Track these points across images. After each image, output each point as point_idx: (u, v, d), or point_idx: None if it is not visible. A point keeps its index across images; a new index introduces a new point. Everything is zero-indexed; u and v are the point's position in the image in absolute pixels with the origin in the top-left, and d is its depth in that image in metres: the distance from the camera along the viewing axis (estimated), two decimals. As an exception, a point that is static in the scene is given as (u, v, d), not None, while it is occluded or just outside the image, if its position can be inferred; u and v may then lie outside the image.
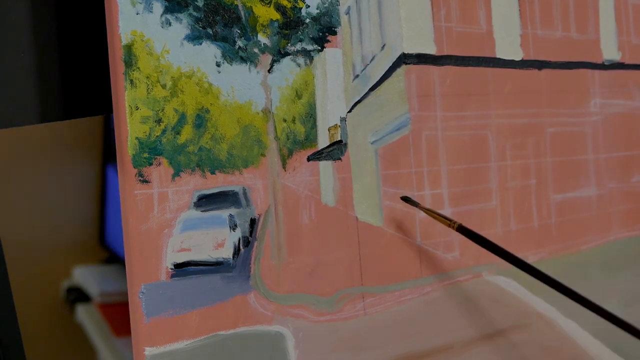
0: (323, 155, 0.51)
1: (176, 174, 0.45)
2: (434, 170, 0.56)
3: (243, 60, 0.48)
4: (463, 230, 0.51)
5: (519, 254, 0.61)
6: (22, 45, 0.48)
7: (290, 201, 0.49)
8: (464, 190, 0.58)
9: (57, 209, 0.57)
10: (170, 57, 0.45)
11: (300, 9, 0.50)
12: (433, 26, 0.57)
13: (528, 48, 0.62)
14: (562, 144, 0.64)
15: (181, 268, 0.45)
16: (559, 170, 0.64)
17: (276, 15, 0.49)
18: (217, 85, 0.47)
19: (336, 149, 0.52)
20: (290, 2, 0.50)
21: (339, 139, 0.52)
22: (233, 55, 0.47)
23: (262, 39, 0.49)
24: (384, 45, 0.55)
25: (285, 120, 0.49)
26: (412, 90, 0.55)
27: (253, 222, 0.48)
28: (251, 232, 0.48)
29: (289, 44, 0.50)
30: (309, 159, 0.50)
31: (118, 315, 0.59)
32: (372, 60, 0.54)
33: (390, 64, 0.55)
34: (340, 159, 0.52)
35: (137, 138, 0.44)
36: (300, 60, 0.50)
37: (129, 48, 0.43)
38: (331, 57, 0.52)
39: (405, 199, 0.53)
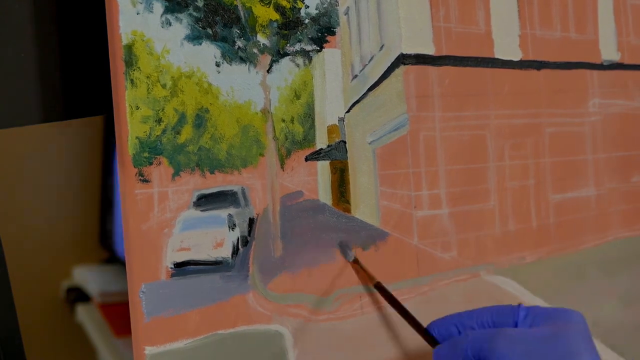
0: (321, 155, 0.51)
1: (176, 173, 0.45)
2: (432, 170, 0.56)
3: (242, 60, 0.48)
4: (380, 288, 0.51)
5: (518, 254, 0.61)
6: (22, 45, 0.49)
7: (289, 201, 0.50)
8: (462, 190, 0.58)
9: (57, 209, 0.57)
10: (170, 57, 0.45)
11: (300, 9, 0.50)
12: (432, 26, 0.57)
13: (527, 48, 0.62)
14: (561, 144, 0.64)
15: (181, 267, 0.45)
16: (557, 170, 0.64)
17: (275, 16, 0.49)
18: (217, 85, 0.47)
19: (335, 149, 0.52)
20: (289, 2, 0.50)
21: (342, 139, 0.52)
22: (233, 55, 0.48)
23: (262, 39, 0.49)
24: (382, 46, 0.55)
25: (284, 121, 0.50)
26: (411, 91, 0.55)
27: (252, 222, 0.48)
28: (250, 232, 0.48)
29: (288, 45, 0.50)
30: (307, 159, 0.51)
31: (118, 315, 0.59)
32: (370, 60, 0.54)
33: (389, 65, 0.55)
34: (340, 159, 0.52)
35: (137, 137, 0.44)
36: (299, 60, 0.50)
37: (129, 48, 0.44)
38: (330, 58, 0.52)
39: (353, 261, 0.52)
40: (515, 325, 0.45)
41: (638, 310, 0.69)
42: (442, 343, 0.46)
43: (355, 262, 0.52)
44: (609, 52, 0.68)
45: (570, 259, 0.64)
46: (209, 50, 0.47)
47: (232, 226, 0.47)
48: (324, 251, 0.51)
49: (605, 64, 0.68)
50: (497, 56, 0.60)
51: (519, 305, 0.46)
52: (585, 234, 0.66)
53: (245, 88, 0.48)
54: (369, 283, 0.52)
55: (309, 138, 0.51)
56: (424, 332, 0.47)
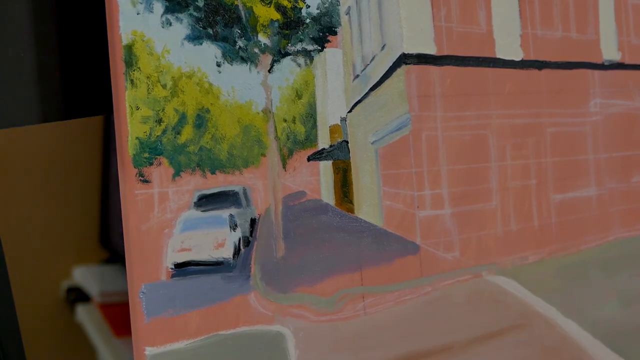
0: (323, 155, 0.51)
1: (176, 174, 0.45)
2: (434, 170, 0.56)
3: (243, 60, 0.48)
4: None
5: (520, 254, 0.61)
6: (22, 45, 0.48)
7: (291, 201, 0.49)
8: (464, 190, 0.58)
9: (57, 209, 0.57)
10: (170, 57, 0.45)
11: (301, 9, 0.50)
12: (433, 26, 0.57)
13: (528, 48, 0.62)
14: (562, 144, 0.64)
15: (181, 268, 0.45)
16: (559, 170, 0.64)
17: (276, 15, 0.49)
18: (218, 85, 0.47)
19: (337, 149, 0.52)
20: (290, 2, 0.50)
21: (345, 139, 0.52)
22: (233, 55, 0.47)
23: (263, 39, 0.49)
24: (384, 46, 0.55)
25: (285, 120, 0.49)
26: (412, 91, 0.55)
27: (253, 222, 0.48)
28: (251, 232, 0.48)
29: (290, 44, 0.50)
30: (309, 159, 0.51)
31: (118, 315, 0.59)
32: (372, 60, 0.54)
33: (391, 64, 0.55)
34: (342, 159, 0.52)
35: (137, 138, 0.44)
36: (301, 60, 0.50)
37: (129, 48, 0.43)
38: (331, 57, 0.52)
39: None
40: None
41: (638, 310, 0.69)
42: None
43: None
44: (609, 52, 0.68)
45: (572, 259, 0.64)
46: (210, 50, 0.47)
47: (234, 226, 0.47)
48: (327, 251, 0.51)
49: (606, 63, 0.68)
50: (498, 56, 0.60)
51: None
52: (586, 234, 0.66)
53: (247, 88, 0.48)
54: None
55: (311, 138, 0.51)
56: None
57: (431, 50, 0.57)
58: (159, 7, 0.45)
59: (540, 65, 0.63)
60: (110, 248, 0.61)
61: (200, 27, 0.46)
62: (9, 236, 0.52)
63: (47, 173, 0.56)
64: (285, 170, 0.49)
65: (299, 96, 0.50)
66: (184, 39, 0.46)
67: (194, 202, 0.46)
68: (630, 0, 0.70)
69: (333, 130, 0.52)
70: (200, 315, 0.45)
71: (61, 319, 0.57)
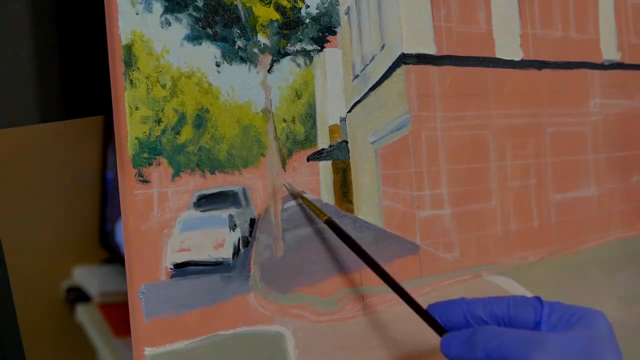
0: (323, 155, 0.51)
1: (176, 174, 0.45)
2: (433, 170, 0.56)
3: (243, 60, 0.48)
4: (331, 224, 0.47)
5: (519, 254, 0.61)
6: (22, 45, 0.48)
7: (290, 201, 0.49)
8: (464, 190, 0.58)
9: (57, 209, 0.57)
10: (170, 57, 0.45)
11: (300, 9, 0.50)
12: (433, 26, 0.57)
13: (528, 48, 0.62)
14: (562, 144, 0.64)
15: (181, 268, 0.45)
16: (558, 170, 0.64)
17: (276, 16, 0.49)
18: (217, 85, 0.47)
19: (337, 149, 0.52)
20: (290, 2, 0.50)
21: (344, 139, 0.52)
22: (233, 55, 0.47)
23: (262, 39, 0.49)
24: (383, 46, 0.55)
25: (285, 121, 0.49)
26: (412, 91, 0.55)
27: (253, 222, 0.48)
28: (251, 232, 0.48)
29: (289, 44, 0.50)
30: (308, 159, 0.50)
31: (118, 315, 0.59)
32: (371, 60, 0.54)
33: (390, 64, 0.55)
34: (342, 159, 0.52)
35: (137, 138, 0.44)
36: (300, 60, 0.50)
37: (128, 48, 0.43)
38: (331, 57, 0.52)
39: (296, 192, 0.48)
40: (538, 323, 0.40)
41: (638, 310, 0.69)
42: (452, 332, 0.40)
43: (302, 194, 0.48)
44: (609, 51, 0.68)
45: (572, 259, 0.64)
46: (209, 50, 0.47)
47: (233, 227, 0.47)
48: (327, 251, 0.51)
49: (605, 63, 0.68)
50: (498, 56, 0.60)
51: (539, 299, 0.41)
52: (586, 233, 0.66)
53: (246, 88, 0.48)
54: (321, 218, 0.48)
55: (310, 138, 0.51)
56: (425, 314, 0.42)
57: (431, 50, 0.56)
58: (158, 7, 0.45)
59: (540, 65, 0.63)
60: (110, 248, 0.61)
61: (200, 27, 0.46)
62: (9, 236, 0.52)
63: (47, 173, 0.56)
64: (285, 171, 0.49)
65: (298, 96, 0.50)
66: (183, 39, 0.46)
67: (194, 202, 0.46)
68: (630, 0, 0.70)
69: (332, 130, 0.52)
70: (199, 316, 0.45)
71: (61, 319, 0.57)
